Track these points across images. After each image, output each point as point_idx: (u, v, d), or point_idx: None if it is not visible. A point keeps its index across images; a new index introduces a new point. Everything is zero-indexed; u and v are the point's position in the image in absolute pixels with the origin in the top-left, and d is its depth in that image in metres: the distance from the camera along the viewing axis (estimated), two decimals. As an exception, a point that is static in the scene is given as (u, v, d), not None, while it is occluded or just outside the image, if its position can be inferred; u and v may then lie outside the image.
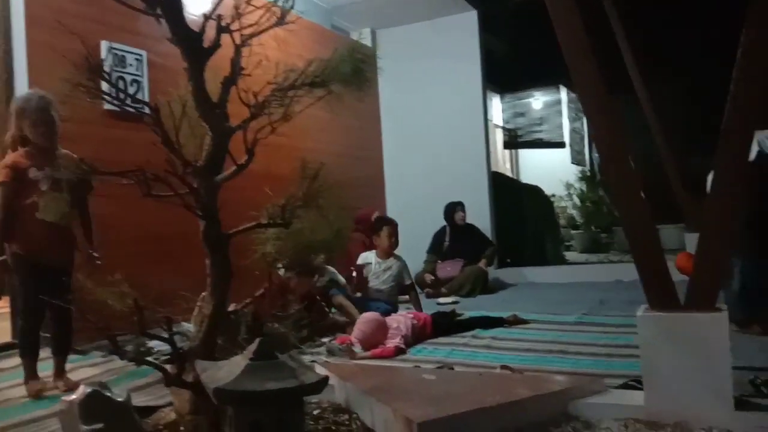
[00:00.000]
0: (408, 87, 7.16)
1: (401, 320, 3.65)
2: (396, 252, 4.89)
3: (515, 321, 4.05)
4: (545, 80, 11.02)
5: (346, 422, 2.22)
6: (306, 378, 1.61)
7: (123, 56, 4.19)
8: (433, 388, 2.33)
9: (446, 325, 3.93)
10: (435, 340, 3.67)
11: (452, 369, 2.94)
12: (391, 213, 7.17)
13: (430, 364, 3.04)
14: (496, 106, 11.34)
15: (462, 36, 7.13)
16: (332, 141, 6.12)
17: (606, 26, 6.18)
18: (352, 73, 2.33)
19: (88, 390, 1.80)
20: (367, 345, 3.44)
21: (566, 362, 3.02)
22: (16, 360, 3.19)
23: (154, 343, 3.33)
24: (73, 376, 2.95)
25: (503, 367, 2.83)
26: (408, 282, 4.83)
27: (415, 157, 7.12)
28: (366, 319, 3.61)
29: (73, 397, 1.80)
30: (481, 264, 5.97)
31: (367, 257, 4.87)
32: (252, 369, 1.59)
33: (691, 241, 5.79)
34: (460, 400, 2.11)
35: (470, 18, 7.13)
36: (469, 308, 4.69)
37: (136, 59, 4.28)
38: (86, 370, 3.07)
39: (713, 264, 2.16)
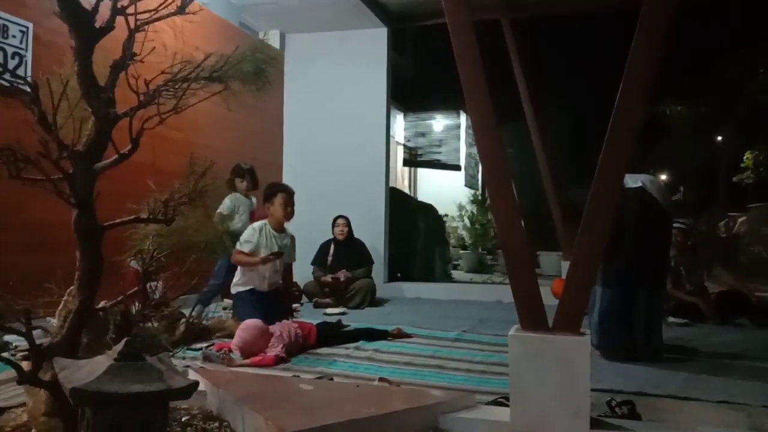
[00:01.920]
0: (313, 95, 7.15)
1: (285, 328, 3.60)
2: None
3: (399, 335, 4.11)
4: (447, 103, 11.43)
5: (215, 430, 2.15)
6: (173, 382, 1.54)
7: (5, 26, 3.88)
8: (308, 398, 2.31)
9: (331, 335, 3.92)
10: (317, 351, 3.66)
11: (332, 380, 2.94)
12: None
13: (310, 375, 3.02)
14: (399, 124, 11.58)
15: (370, 51, 7.23)
16: (230, 140, 5.98)
17: (503, 55, 6.52)
18: (253, 72, 2.29)
19: None
20: (247, 353, 3.36)
21: (442, 377, 3.11)
22: None
23: (11, 338, 3.10)
24: None
25: (381, 379, 2.87)
26: (293, 261, 4.76)
27: (315, 165, 7.09)
28: (247, 326, 3.52)
29: None
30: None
31: (257, 229, 4.49)
32: (116, 370, 1.50)
33: (566, 268, 6.20)
34: (334, 411, 2.11)
35: (380, 34, 7.24)
36: (356, 320, 4.72)
37: (21, 31, 3.98)
38: (-74, 364, 2.76)
39: (580, 290, 2.31)
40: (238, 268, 4.51)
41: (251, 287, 4.46)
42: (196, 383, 1.57)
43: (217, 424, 2.20)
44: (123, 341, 1.58)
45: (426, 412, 2.26)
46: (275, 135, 7.27)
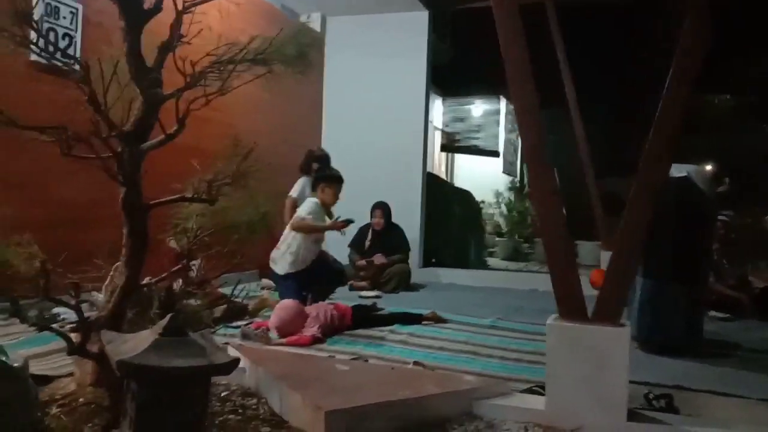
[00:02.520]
0: (352, 78, 7.14)
1: (321, 309, 3.64)
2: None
3: (434, 318, 4.13)
4: (487, 89, 11.28)
5: (254, 406, 2.20)
6: (215, 358, 1.58)
7: (57, 7, 3.97)
8: (344, 378, 2.34)
9: (366, 318, 3.95)
10: (353, 332, 3.69)
11: (367, 361, 2.97)
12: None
13: (345, 355, 3.06)
14: (438, 108, 11.49)
15: (411, 35, 7.17)
16: (269, 123, 6.03)
17: (547, 38, 6.41)
18: (296, 55, 2.30)
19: (-20, 353, 1.70)
20: (284, 332, 3.42)
21: (476, 363, 3.11)
22: None
23: (61, 311, 3.21)
24: (-35, 338, 2.78)
25: (415, 363, 2.89)
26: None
27: (353, 149, 7.08)
28: (284, 306, 3.58)
29: (-37, 359, 1.69)
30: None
31: (317, 204, 4.63)
32: (160, 344, 1.55)
33: (606, 258, 6.08)
34: (369, 392, 2.13)
35: (421, 18, 7.17)
36: (390, 304, 4.74)
37: (71, 12, 4.07)
38: (-19, 332, 2.90)
39: (621, 281, 2.28)
40: (286, 249, 4.48)
41: (302, 268, 4.46)
42: (238, 360, 1.61)
43: (255, 401, 2.25)
44: (167, 317, 1.62)
45: (460, 397, 2.27)
46: (314, 119, 7.30)
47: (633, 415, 2.21)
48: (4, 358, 1.75)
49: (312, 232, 4.51)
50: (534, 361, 3.13)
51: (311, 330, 3.47)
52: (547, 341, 2.25)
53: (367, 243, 6.13)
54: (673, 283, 3.52)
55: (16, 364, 1.76)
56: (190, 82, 2.03)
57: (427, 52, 7.20)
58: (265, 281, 5.32)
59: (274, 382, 2.24)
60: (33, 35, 1.93)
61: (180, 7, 1.99)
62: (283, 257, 4.48)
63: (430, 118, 8.27)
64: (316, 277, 4.52)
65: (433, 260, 7.36)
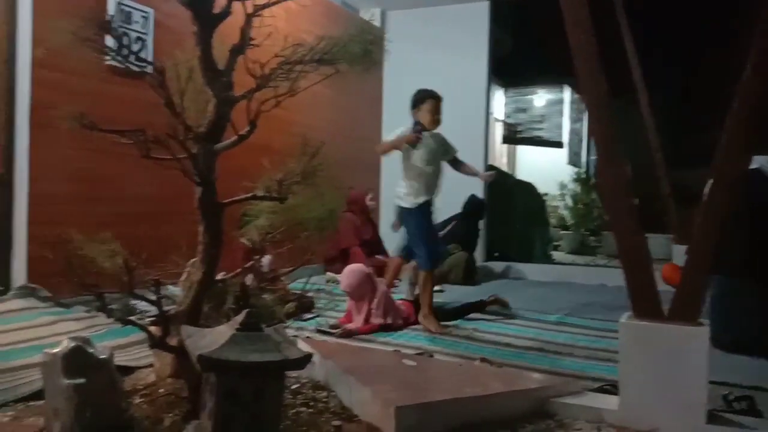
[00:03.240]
0: (412, 72, 7.10)
1: (386, 302, 3.67)
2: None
3: (498, 302, 4.11)
4: (550, 78, 11.01)
5: (324, 399, 2.24)
6: (289, 353, 1.62)
7: (130, 12, 4.14)
8: (412, 373, 2.36)
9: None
10: (417, 327, 3.70)
11: (432, 357, 2.97)
12: (385, 199, 7.18)
13: (410, 350, 3.07)
14: (499, 99, 11.32)
15: (471, 25, 7.08)
16: (331, 119, 6.10)
17: (613, 25, 6.19)
18: (360, 53, 2.32)
19: (72, 344, 1.81)
20: (354, 296, 3.58)
21: (544, 360, 3.05)
22: (2, 306, 3.20)
23: (138, 304, 3.35)
24: (54, 330, 2.96)
25: (482, 359, 2.87)
26: (455, 153, 4.43)
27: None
28: (351, 270, 3.65)
29: (57, 350, 1.80)
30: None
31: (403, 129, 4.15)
32: (237, 339, 1.60)
33: (679, 252, 5.85)
34: (438, 388, 2.14)
35: (481, 8, 7.08)
36: (453, 298, 4.72)
37: (143, 17, 4.23)
38: (69, 324, 3.07)
39: (699, 277, 2.19)
40: (404, 182, 4.08)
41: (423, 199, 3.95)
42: (310, 355, 1.65)
43: (325, 394, 2.30)
44: (244, 312, 1.67)
45: (530, 396, 2.24)
46: (373, 114, 7.34)
47: (712, 418, 2.12)
48: (91, 350, 1.85)
49: (389, 150, 4.20)
50: (605, 358, 3.05)
51: (378, 319, 3.53)
52: (620, 340, 2.19)
53: (447, 232, 6.15)
54: (747, 279, 3.35)
55: (103, 356, 1.86)
56: (260, 84, 2.08)
57: (488, 42, 7.10)
58: (330, 275, 5.40)
59: (343, 376, 2.28)
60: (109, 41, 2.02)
61: (249, 10, 2.04)
62: (406, 192, 4.02)
63: (490, 110, 8.17)
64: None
65: (496, 254, 7.27)
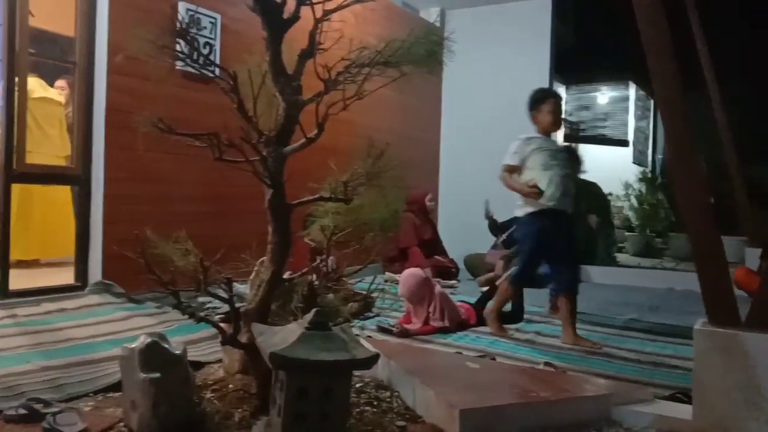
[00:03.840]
0: (472, 70, 7.07)
1: (447, 305, 3.66)
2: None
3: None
4: (614, 74, 10.71)
5: (388, 399, 2.25)
6: (357, 353, 1.64)
7: (199, 18, 4.28)
8: (476, 376, 2.34)
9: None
10: (478, 329, 3.68)
11: (494, 359, 2.95)
12: (443, 198, 7.17)
13: (472, 352, 3.05)
14: (561, 97, 11.08)
15: (533, 22, 6.97)
16: (391, 119, 6.13)
17: (683, 20, 5.95)
18: (425, 55, 2.32)
19: (148, 340, 1.88)
20: (413, 300, 3.55)
21: (610, 366, 2.98)
22: (79, 301, 3.37)
23: (206, 300, 3.47)
24: (129, 325, 3.09)
25: (546, 363, 2.82)
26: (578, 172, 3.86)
27: (474, 142, 7.05)
28: (409, 275, 3.65)
29: (134, 345, 1.88)
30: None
31: (523, 139, 3.64)
32: (306, 338, 1.64)
33: (752, 255, 5.57)
34: (503, 392, 2.12)
35: (543, 4, 6.95)
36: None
37: (211, 22, 4.36)
38: (142, 319, 3.21)
39: (781, 284, 2.08)
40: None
41: (534, 209, 3.48)
42: (378, 355, 1.66)
43: (388, 394, 2.31)
44: (312, 312, 1.71)
45: (598, 402, 2.19)
46: (433, 113, 7.33)
47: (794, 431, 2.02)
48: (166, 346, 1.93)
49: (509, 188, 3.60)
50: (674, 365, 2.95)
51: (437, 322, 3.53)
52: (695, 347, 2.11)
53: (500, 236, 6.10)
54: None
55: (177, 351, 1.93)
56: (327, 88, 2.11)
57: (550, 40, 6.97)
58: (389, 274, 5.43)
59: (407, 376, 2.29)
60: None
61: (318, 15, 2.07)
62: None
63: (553, 108, 8.02)
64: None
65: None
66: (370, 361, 1.63)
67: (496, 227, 6.04)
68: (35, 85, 4.53)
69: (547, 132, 3.68)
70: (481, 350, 3.16)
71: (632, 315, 4.30)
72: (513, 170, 3.60)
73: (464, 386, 2.18)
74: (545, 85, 6.94)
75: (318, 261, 2.24)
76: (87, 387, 2.24)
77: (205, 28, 4.35)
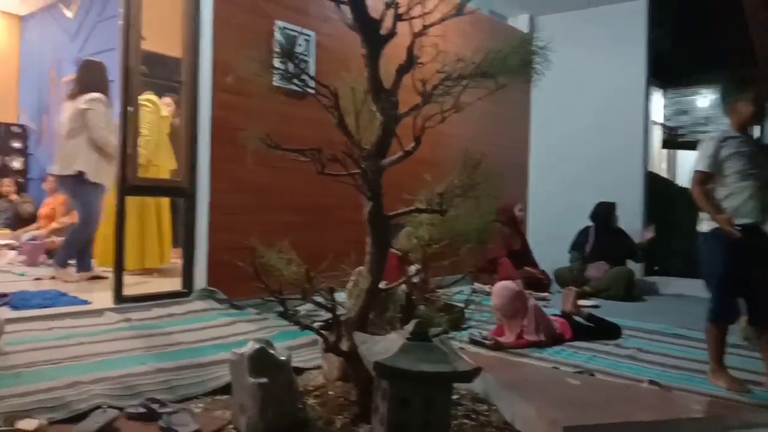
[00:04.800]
0: (562, 76, 6.87)
1: (541, 320, 3.58)
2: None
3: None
4: (715, 77, 10.10)
5: (485, 412, 2.24)
6: (459, 365, 1.65)
7: (294, 36, 4.44)
8: (577, 392, 2.28)
9: (586, 330, 3.79)
10: (574, 344, 3.57)
11: (593, 375, 2.85)
12: (532, 207, 7.03)
13: (568, 367, 2.97)
14: (657, 102, 10.60)
15: (626, 26, 6.72)
16: (478, 128, 6.07)
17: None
18: (520, 65, 2.30)
19: (257, 346, 1.97)
20: (507, 313, 3.49)
21: (719, 388, 2.80)
22: (186, 307, 3.57)
23: (302, 307, 3.57)
24: (232, 330, 3.23)
25: (651, 382, 2.70)
26: None
27: (564, 150, 6.88)
28: (502, 288, 3.60)
29: (244, 350, 1.98)
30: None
31: (716, 139, 2.97)
32: (408, 348, 1.66)
33: None
34: (606, 410, 2.05)
35: (637, 8, 6.69)
36: (610, 314, 4.48)
37: (305, 40, 4.51)
38: (244, 325, 3.34)
39: None
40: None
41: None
42: (480, 369, 1.66)
43: (485, 407, 2.29)
44: (413, 323, 1.73)
45: (710, 425, 2.07)
46: (521, 120, 7.21)
47: None
48: (273, 352, 2.01)
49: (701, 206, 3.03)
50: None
51: (531, 336, 3.46)
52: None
53: (589, 245, 5.92)
54: None
55: (282, 357, 2.01)
56: (423, 101, 2.14)
57: (646, 42, 6.69)
58: (478, 285, 5.37)
59: (505, 390, 2.26)
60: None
61: (415, 30, 2.11)
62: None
63: (649, 113, 7.69)
64: None
65: (656, 268, 6.81)
66: (472, 374, 1.63)
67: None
68: (157, 104, 4.86)
69: (744, 127, 3.03)
70: (578, 366, 3.07)
71: (740, 332, 4.02)
72: (707, 179, 2.98)
73: (565, 403, 2.13)
74: (641, 90, 6.68)
75: (415, 272, 2.26)
76: (197, 389, 2.36)
77: (300, 45, 4.50)
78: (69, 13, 7.62)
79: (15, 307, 3.30)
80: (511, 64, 2.29)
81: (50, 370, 2.43)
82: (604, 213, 6.04)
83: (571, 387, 2.35)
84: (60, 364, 2.51)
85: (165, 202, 4.91)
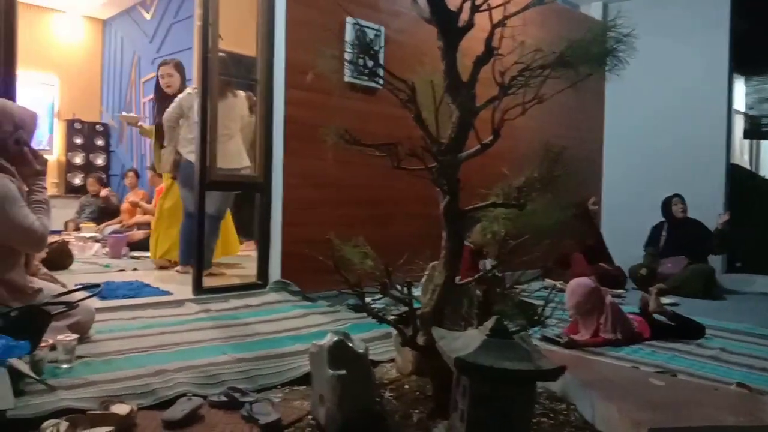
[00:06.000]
0: (638, 66, 6.58)
1: (618, 318, 3.46)
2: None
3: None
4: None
5: (564, 412, 2.19)
6: (542, 363, 1.61)
7: (364, 31, 4.45)
8: (661, 393, 2.19)
9: (665, 329, 3.64)
10: (653, 343, 3.44)
11: (675, 376, 2.74)
12: (607, 200, 6.82)
13: (648, 367, 2.86)
14: (739, 90, 10.04)
15: (706, 12, 6.41)
16: (549, 119, 5.92)
17: None
18: (603, 54, 2.24)
19: (336, 338, 2.00)
20: (582, 310, 3.41)
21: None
22: (262, 298, 3.67)
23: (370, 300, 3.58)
24: (306, 322, 3.30)
25: (739, 384, 2.56)
26: None
27: (640, 141, 6.64)
28: (577, 284, 3.51)
29: (323, 342, 2.01)
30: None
31: None
32: (488, 345, 1.64)
33: None
34: (694, 413, 1.96)
35: (719, -10, 6.37)
36: (689, 312, 4.28)
37: (375, 35, 4.52)
38: (317, 317, 3.40)
39: None
40: None
41: None
42: (564, 367, 1.62)
43: (563, 406, 2.24)
44: (493, 319, 1.71)
45: (810, 432, 1.95)
46: (595, 110, 6.99)
47: None
48: (351, 344, 2.03)
49: None
50: None
51: (608, 335, 3.35)
52: None
53: (663, 240, 5.70)
54: None
55: (360, 350, 2.03)
56: (501, 93, 2.11)
57: (728, 28, 6.35)
58: (549, 281, 5.26)
59: (584, 389, 2.20)
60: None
61: (494, 21, 2.07)
62: None
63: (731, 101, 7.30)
64: None
65: (738, 264, 6.47)
66: (557, 373, 1.60)
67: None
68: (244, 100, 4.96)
69: None
70: (658, 365, 2.96)
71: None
72: None
73: (649, 404, 2.05)
74: (723, 77, 6.35)
75: (490, 267, 2.23)
76: (275, 379, 2.42)
77: (369, 39, 4.51)
78: (147, 15, 7.95)
79: (102, 298, 3.48)
80: (594, 53, 2.23)
81: (137, 357, 2.55)
82: (664, 207, 5.81)
83: (655, 387, 2.27)
84: (145, 353, 2.62)
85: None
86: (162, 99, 4.88)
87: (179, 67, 4.90)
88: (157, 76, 4.96)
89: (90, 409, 1.95)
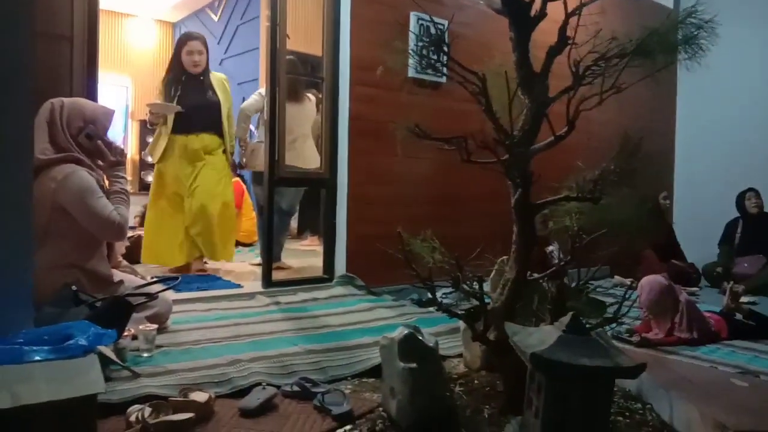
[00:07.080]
0: (713, 55, 6.30)
1: (694, 315, 3.33)
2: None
3: None
4: None
5: (640, 411, 2.13)
6: (620, 360, 1.57)
7: (428, 26, 4.45)
8: (745, 396, 2.10)
9: (746, 328, 3.47)
10: (731, 343, 3.29)
11: (758, 377, 2.61)
12: (679, 195, 6.57)
13: (727, 368, 2.74)
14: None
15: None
16: (619, 110, 5.73)
17: None
18: (683, 41, 2.15)
19: (406, 331, 2.01)
20: (656, 309, 3.30)
21: None
22: (329, 292, 3.73)
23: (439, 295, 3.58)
24: (372, 315, 3.33)
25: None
26: None
27: (715, 134, 6.34)
28: (649, 283, 3.39)
29: (394, 335, 2.02)
30: None
31: None
32: (565, 341, 1.61)
33: None
34: (783, 416, 1.87)
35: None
36: (766, 312, 4.07)
37: (439, 29, 4.49)
38: (383, 311, 3.43)
39: None
40: None
41: None
42: (645, 365, 1.57)
43: (639, 405, 2.18)
44: (569, 315, 1.67)
45: None
46: (667, 102, 6.72)
47: None
48: (421, 338, 2.03)
49: None
50: None
51: (683, 334, 3.23)
52: None
53: (738, 236, 5.43)
54: None
55: (430, 344, 2.03)
56: (575, 83, 2.06)
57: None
58: (618, 278, 5.11)
59: (661, 390, 2.13)
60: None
61: (569, 9, 2.02)
62: None
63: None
64: None
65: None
66: (637, 370, 1.55)
67: None
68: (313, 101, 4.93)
69: None
70: (738, 366, 2.83)
71: None
72: None
73: (732, 406, 1.97)
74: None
75: (562, 263, 2.19)
76: (345, 371, 2.46)
77: (441, 32, 4.49)
78: (215, 17, 8.19)
79: (178, 290, 3.62)
80: (672, 42, 2.15)
81: (213, 347, 2.64)
82: (738, 202, 5.53)
83: (738, 389, 2.17)
84: (220, 343, 2.71)
85: (230, 199, 4.44)
86: (188, 79, 4.25)
87: (206, 44, 4.37)
88: (178, 53, 4.29)
89: (171, 396, 2.04)
